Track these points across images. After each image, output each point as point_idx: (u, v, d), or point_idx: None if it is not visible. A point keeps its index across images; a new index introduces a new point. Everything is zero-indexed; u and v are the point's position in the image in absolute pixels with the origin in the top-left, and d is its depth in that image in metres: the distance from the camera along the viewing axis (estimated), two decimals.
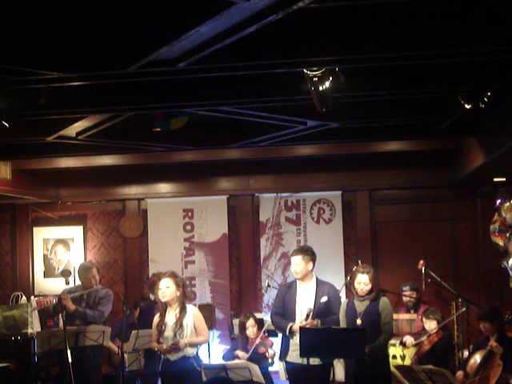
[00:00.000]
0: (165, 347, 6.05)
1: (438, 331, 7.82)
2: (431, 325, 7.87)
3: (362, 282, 6.18)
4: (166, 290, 6.11)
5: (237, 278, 10.18)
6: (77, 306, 7.18)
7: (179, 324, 6.06)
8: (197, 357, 6.19)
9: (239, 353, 7.32)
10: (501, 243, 8.51)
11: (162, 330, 6.11)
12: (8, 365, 7.97)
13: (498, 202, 8.50)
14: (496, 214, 8.56)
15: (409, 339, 7.94)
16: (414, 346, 7.87)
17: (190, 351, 6.09)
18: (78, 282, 7.69)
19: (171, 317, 6.14)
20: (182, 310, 6.13)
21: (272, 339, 7.55)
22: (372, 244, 9.89)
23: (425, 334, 7.88)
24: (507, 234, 8.39)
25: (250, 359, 7.05)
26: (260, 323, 7.69)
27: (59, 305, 7.05)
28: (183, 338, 6.03)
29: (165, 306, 6.15)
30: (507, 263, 8.42)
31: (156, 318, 6.23)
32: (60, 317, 7.52)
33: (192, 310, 6.20)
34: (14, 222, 10.66)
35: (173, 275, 6.21)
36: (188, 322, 6.10)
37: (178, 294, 6.12)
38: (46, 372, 8.29)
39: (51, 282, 10.32)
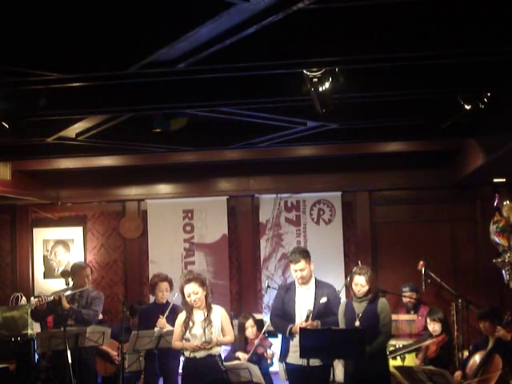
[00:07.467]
0: (194, 345, 6.02)
1: (442, 334, 7.74)
2: (435, 326, 7.75)
3: (359, 283, 6.18)
4: (195, 296, 6.04)
5: (237, 279, 10.17)
6: (71, 304, 7.15)
7: (208, 320, 6.07)
8: (220, 356, 6.22)
9: (240, 354, 7.31)
10: (504, 243, 8.50)
11: (190, 326, 6.08)
12: (8, 365, 7.98)
13: (496, 203, 8.52)
14: (497, 214, 8.56)
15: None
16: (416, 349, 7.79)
17: (216, 350, 6.12)
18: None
19: (198, 315, 6.12)
20: (210, 308, 6.14)
21: (272, 340, 7.53)
22: (372, 245, 9.88)
23: (428, 337, 7.78)
24: None
25: (250, 360, 7.05)
26: (260, 324, 7.67)
27: (59, 303, 7.00)
28: (213, 334, 6.03)
29: (191, 306, 6.10)
30: (499, 261, 8.43)
31: (181, 316, 6.20)
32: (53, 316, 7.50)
33: (220, 311, 6.20)
34: (14, 222, 10.65)
35: (196, 279, 6.10)
36: (216, 319, 6.12)
37: (205, 294, 6.11)
38: (45, 373, 8.28)
39: (51, 282, 10.30)
